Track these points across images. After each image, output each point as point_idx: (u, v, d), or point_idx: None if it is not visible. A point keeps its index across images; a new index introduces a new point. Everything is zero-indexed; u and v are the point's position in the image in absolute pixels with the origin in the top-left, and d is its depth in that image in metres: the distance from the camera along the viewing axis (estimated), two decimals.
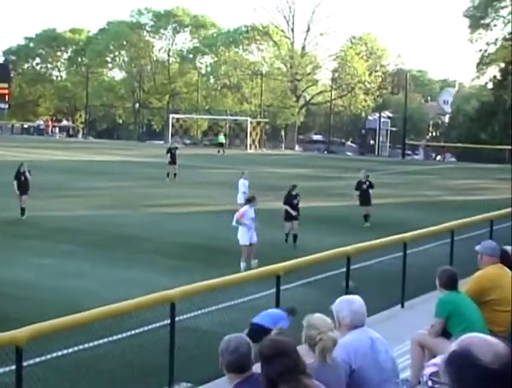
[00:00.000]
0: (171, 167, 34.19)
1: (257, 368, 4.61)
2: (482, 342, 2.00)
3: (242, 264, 15.32)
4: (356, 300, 5.53)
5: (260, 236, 16.12)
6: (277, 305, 9.77)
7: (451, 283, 7.32)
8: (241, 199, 21.95)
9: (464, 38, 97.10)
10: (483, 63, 65.21)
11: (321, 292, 12.78)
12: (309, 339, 4.92)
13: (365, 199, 22.46)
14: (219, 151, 56.66)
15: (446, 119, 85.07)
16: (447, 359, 2.01)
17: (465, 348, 1.99)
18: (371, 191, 22.69)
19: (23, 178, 21.67)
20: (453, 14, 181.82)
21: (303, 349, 4.79)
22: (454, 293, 7.29)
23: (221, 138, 60.49)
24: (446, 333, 7.14)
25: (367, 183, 22.84)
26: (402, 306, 12.09)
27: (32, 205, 22.10)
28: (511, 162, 48.32)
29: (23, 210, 21.29)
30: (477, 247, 8.22)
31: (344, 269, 11.54)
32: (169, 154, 34.50)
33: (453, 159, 64.65)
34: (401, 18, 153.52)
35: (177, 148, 35.93)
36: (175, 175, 34.03)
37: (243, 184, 22.71)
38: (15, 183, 21.59)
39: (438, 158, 67.38)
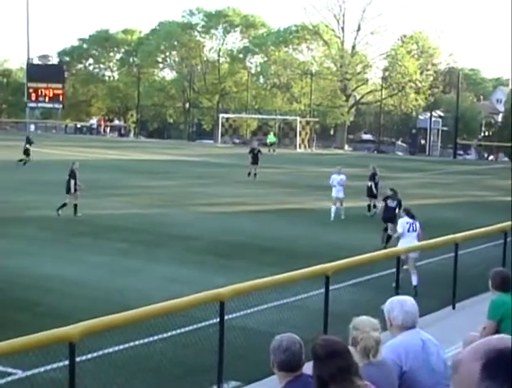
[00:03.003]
0: (252, 167, 35.03)
1: (305, 368, 4.60)
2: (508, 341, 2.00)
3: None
4: (408, 300, 5.47)
5: (309, 236, 16.04)
6: (326, 306, 9.74)
7: (504, 285, 7.20)
8: (333, 192, 23.39)
9: None
10: None
11: (371, 292, 12.70)
12: (353, 340, 4.90)
13: None
14: (269, 150, 56.97)
15: (499, 118, 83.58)
16: (483, 364, 2.00)
17: (501, 351, 1.95)
18: None
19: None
20: (507, 12, 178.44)
21: (352, 351, 4.76)
22: (507, 295, 7.18)
23: (270, 137, 61.75)
24: None
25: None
26: (453, 308, 11.95)
27: (85, 204, 22.45)
28: None
29: (75, 207, 21.67)
30: None
31: (394, 270, 11.47)
32: (251, 154, 35.40)
33: (506, 159, 63.53)
34: (454, 15, 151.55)
35: (259, 150, 36.24)
36: (255, 174, 34.75)
37: (334, 179, 23.71)
38: (72, 181, 22.00)
39: (491, 157, 66.33)
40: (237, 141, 73.48)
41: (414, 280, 13.49)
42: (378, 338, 4.89)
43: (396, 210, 18.20)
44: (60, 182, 22.95)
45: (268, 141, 61.63)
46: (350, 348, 4.68)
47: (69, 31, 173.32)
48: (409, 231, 14.42)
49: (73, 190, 21.87)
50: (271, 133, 64.92)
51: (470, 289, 12.22)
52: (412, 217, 14.67)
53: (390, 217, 18.21)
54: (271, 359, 4.56)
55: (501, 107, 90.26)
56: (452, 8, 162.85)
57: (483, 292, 10.15)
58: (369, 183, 24.66)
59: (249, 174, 34.89)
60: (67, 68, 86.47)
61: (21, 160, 35.92)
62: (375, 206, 24.08)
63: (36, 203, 23.98)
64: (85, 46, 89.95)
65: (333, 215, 22.87)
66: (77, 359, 7.02)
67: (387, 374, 4.91)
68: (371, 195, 24.55)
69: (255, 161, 35.14)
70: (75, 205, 21.71)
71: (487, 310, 7.25)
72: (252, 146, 37.42)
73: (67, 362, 6.87)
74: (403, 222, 14.56)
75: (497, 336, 2.06)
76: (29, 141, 37.38)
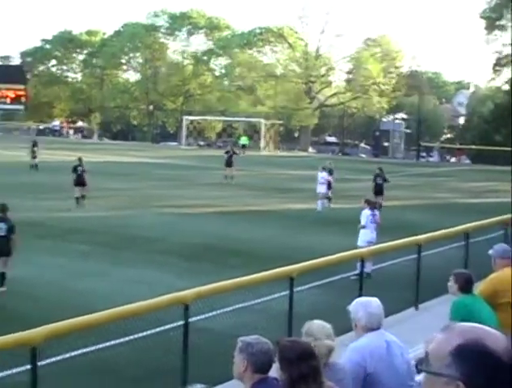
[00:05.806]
0: (227, 169, 34.95)
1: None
2: (489, 334, 1.92)
3: None
4: (373, 301, 5.47)
5: (274, 238, 16.08)
6: (290, 308, 9.75)
7: (466, 286, 7.28)
8: (317, 188, 26.00)
9: (480, 40, 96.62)
10: (499, 64, 64.94)
11: (335, 294, 12.76)
12: None
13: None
14: (239, 152, 57.22)
15: (461, 121, 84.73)
16: (458, 352, 1.93)
17: (477, 341, 1.90)
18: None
19: (79, 172, 24.76)
20: (469, 16, 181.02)
21: None
22: (469, 297, 7.25)
23: (243, 139, 62.83)
24: None
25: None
26: (416, 309, 12.05)
27: (47, 206, 22.19)
28: None
29: (83, 197, 24.46)
30: (490, 251, 8.20)
31: (358, 271, 11.53)
32: (226, 156, 35.40)
33: (468, 161, 64.40)
34: (416, 19, 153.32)
35: (231, 152, 35.90)
36: (232, 177, 34.67)
37: (318, 175, 26.35)
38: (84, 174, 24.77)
39: (453, 160, 67.19)
40: (202, 143, 73.38)
41: (369, 268, 13.81)
42: (331, 346, 4.86)
43: (384, 185, 25.12)
44: (22, 184, 22.73)
45: (241, 143, 61.68)
46: None
47: (31, 31, 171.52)
48: (370, 222, 15.14)
49: (87, 182, 24.58)
50: (244, 136, 65.07)
51: (432, 290, 12.32)
52: (373, 207, 15.46)
53: (379, 190, 24.59)
54: (243, 360, 4.34)
55: (462, 110, 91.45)
56: (415, 12, 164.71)
57: (445, 293, 10.24)
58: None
59: (225, 177, 34.89)
60: (29, 69, 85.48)
61: (32, 165, 36.30)
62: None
63: None
64: (48, 47, 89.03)
65: (319, 208, 25.51)
66: (39, 363, 6.93)
67: (336, 378, 4.86)
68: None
69: (228, 163, 35.10)
70: (83, 196, 24.49)
71: (449, 311, 7.31)
72: (227, 149, 37.55)
73: (29, 366, 6.77)
74: (367, 214, 15.06)
75: (470, 326, 2.00)
76: (35, 145, 37.53)
